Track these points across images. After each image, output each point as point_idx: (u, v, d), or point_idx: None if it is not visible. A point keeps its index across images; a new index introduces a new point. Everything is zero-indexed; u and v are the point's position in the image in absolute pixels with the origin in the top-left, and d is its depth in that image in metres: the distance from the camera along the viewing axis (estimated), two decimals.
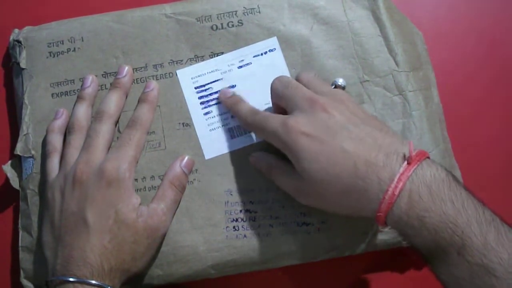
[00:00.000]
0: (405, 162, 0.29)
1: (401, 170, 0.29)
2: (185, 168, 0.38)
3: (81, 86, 0.39)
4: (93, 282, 0.32)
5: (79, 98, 0.39)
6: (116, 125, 0.39)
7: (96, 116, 0.38)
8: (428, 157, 0.31)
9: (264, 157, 0.37)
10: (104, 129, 0.37)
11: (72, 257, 0.33)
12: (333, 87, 0.38)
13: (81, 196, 0.34)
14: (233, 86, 0.40)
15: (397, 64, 0.40)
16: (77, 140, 0.37)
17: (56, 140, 0.38)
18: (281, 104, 0.36)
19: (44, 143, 0.39)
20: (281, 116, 0.34)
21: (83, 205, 0.34)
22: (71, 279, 0.32)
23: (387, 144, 0.31)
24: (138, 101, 0.39)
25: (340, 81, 0.38)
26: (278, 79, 0.36)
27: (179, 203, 0.37)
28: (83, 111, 0.38)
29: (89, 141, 0.37)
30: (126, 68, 0.39)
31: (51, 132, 0.38)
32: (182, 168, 0.37)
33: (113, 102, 0.38)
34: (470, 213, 0.28)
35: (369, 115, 0.34)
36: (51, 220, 0.35)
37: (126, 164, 0.36)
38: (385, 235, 0.37)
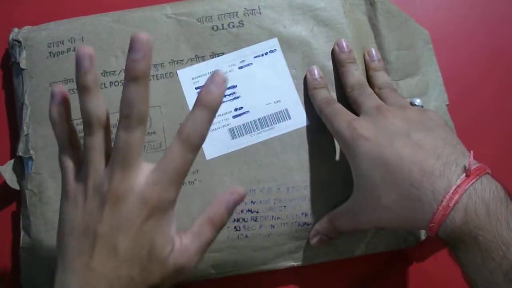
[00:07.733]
0: (464, 174, 0.28)
1: (458, 182, 0.28)
2: (232, 207, 0.30)
3: (76, 71, 0.27)
4: None
5: (85, 88, 0.27)
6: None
7: (119, 122, 0.27)
8: (489, 173, 0.30)
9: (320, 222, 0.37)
10: (137, 138, 0.27)
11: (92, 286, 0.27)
12: None
13: (113, 219, 0.28)
14: (234, 87, 0.40)
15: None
16: (99, 143, 0.28)
17: (66, 134, 0.29)
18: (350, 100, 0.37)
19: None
20: (350, 115, 0.35)
21: (115, 230, 0.27)
22: None
23: (447, 154, 0.30)
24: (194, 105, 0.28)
25: (417, 102, 0.37)
26: (352, 75, 0.38)
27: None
28: (96, 104, 0.27)
29: (124, 154, 0.27)
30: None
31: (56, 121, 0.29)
32: (228, 208, 0.30)
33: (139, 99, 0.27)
34: None
35: (438, 123, 0.33)
36: (65, 230, 0.28)
37: (174, 191, 0.28)
38: (385, 237, 0.38)
